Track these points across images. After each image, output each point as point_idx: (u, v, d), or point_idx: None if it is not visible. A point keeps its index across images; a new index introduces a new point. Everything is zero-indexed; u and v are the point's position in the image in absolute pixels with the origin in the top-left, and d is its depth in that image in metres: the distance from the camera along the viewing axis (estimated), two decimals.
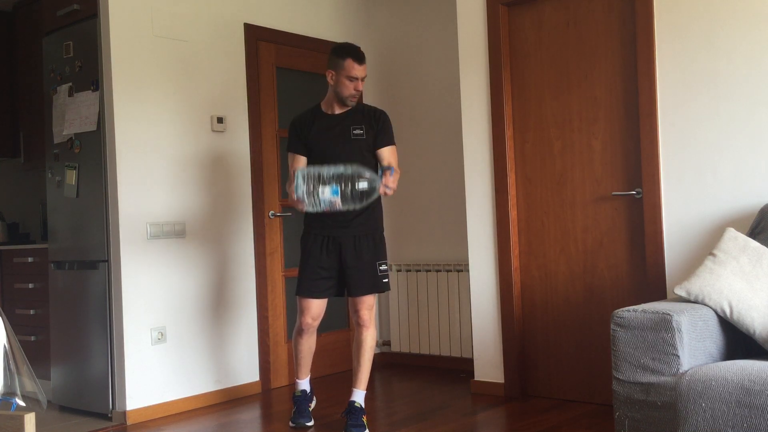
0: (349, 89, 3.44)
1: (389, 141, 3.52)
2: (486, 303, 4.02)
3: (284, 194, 4.57)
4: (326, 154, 3.46)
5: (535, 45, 3.88)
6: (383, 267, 3.50)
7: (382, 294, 4.38)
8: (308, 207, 3.18)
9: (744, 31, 3.18)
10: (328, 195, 3.13)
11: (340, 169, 3.15)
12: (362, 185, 3.12)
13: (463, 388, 4.20)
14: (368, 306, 3.49)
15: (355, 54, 3.45)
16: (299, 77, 4.76)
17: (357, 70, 3.42)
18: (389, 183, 3.19)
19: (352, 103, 3.49)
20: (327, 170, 3.15)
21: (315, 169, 3.18)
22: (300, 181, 3.14)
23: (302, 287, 3.51)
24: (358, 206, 3.19)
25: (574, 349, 3.76)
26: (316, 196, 3.13)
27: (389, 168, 3.25)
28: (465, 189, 4.10)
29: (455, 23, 4.29)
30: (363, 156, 3.46)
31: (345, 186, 3.11)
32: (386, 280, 3.52)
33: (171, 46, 4.06)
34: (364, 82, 3.49)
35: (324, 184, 3.12)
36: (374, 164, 3.51)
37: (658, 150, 3.41)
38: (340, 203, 3.15)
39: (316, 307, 3.52)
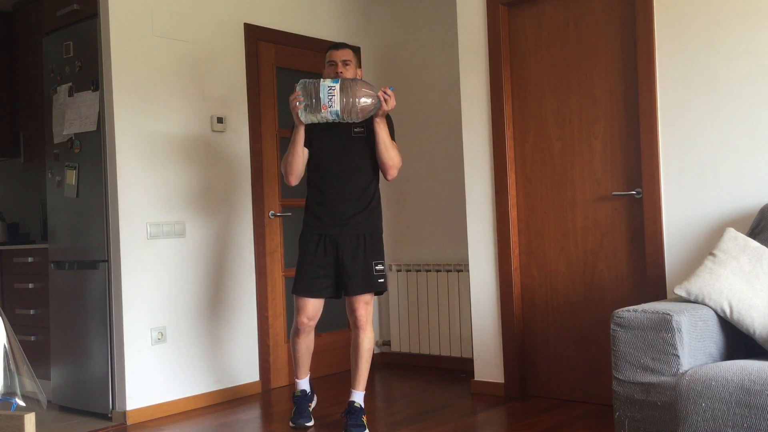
0: (330, 74, 3.53)
1: (390, 137, 3.53)
2: (486, 303, 4.02)
3: (284, 194, 4.57)
4: (327, 151, 3.49)
5: (535, 45, 3.88)
6: (379, 267, 3.48)
7: (382, 295, 4.38)
8: (305, 113, 3.28)
9: (744, 31, 3.18)
10: (328, 82, 3.25)
11: (340, 82, 3.27)
12: (363, 99, 3.23)
13: (463, 388, 4.20)
14: (364, 306, 3.47)
15: (333, 44, 3.65)
16: (299, 77, 4.73)
17: (333, 54, 3.56)
18: (388, 90, 3.28)
19: None
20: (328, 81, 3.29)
21: (315, 81, 3.30)
22: (302, 88, 3.28)
23: (299, 286, 3.50)
24: (357, 119, 3.28)
25: (574, 349, 3.76)
26: (314, 87, 3.24)
27: (391, 88, 3.33)
28: (465, 189, 4.10)
29: (455, 23, 4.29)
30: (364, 153, 3.47)
31: (344, 88, 3.22)
32: (382, 280, 3.50)
33: (171, 46, 4.07)
34: (349, 68, 3.52)
35: (325, 99, 3.24)
36: (374, 163, 3.51)
37: (658, 150, 3.41)
38: (339, 109, 3.23)
39: (312, 307, 3.51)
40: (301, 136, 3.44)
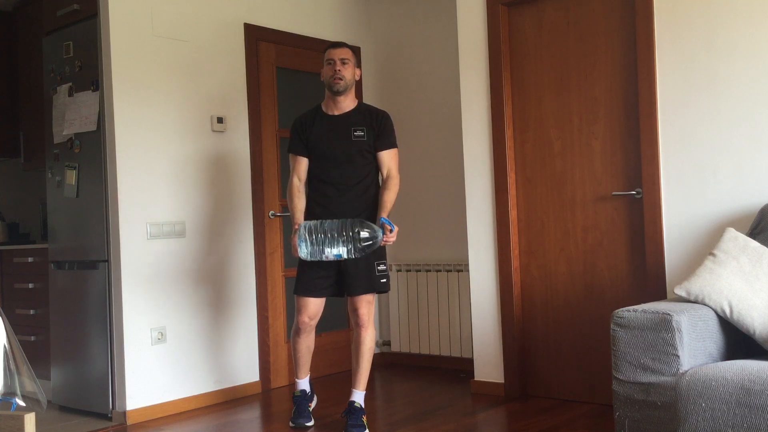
0: (328, 73, 3.53)
1: (390, 144, 3.53)
2: (486, 303, 4.02)
3: (284, 194, 4.57)
4: (327, 155, 3.49)
5: (535, 45, 3.88)
6: (381, 267, 3.49)
7: (383, 294, 4.38)
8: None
9: (744, 31, 3.18)
10: (332, 258, 3.30)
11: (340, 224, 3.27)
12: (364, 237, 3.25)
13: (463, 388, 4.20)
14: (366, 306, 3.48)
15: (332, 43, 3.65)
16: (299, 77, 4.76)
17: (331, 53, 3.55)
18: (389, 239, 3.33)
19: (336, 87, 3.49)
20: (329, 225, 3.28)
21: (316, 226, 3.29)
22: (303, 240, 3.28)
23: (300, 286, 3.51)
24: (359, 257, 3.33)
25: (574, 349, 3.76)
26: (320, 256, 3.29)
27: (389, 223, 3.34)
28: (465, 189, 4.10)
29: (455, 23, 4.29)
30: (364, 157, 3.48)
31: (347, 243, 3.25)
32: (384, 280, 3.51)
33: (171, 46, 4.07)
34: (347, 67, 3.51)
35: (327, 243, 3.26)
36: (375, 165, 3.52)
37: (658, 150, 3.41)
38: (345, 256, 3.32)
39: (313, 306, 3.52)
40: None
